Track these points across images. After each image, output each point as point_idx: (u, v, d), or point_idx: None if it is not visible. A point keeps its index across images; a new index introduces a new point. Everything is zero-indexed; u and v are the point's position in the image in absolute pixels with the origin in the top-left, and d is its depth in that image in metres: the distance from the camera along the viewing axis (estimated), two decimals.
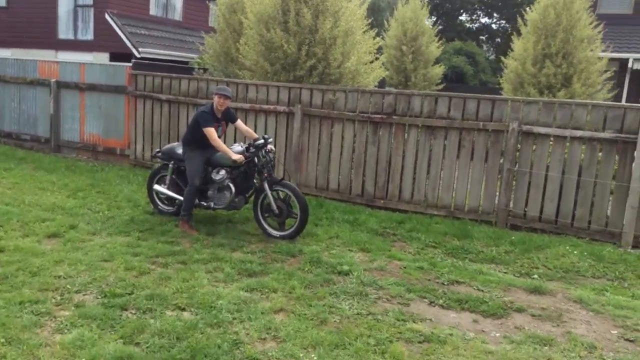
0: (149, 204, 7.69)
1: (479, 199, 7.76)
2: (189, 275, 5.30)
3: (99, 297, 4.79)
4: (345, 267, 5.65)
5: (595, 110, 7.23)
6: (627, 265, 6.12)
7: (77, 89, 11.26)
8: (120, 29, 17.22)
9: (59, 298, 4.72)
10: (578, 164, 7.26)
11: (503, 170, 7.63)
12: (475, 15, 42.36)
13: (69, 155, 11.45)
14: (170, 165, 7.27)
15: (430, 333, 4.35)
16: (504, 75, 14.58)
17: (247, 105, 9.24)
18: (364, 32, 10.92)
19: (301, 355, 3.94)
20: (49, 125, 11.65)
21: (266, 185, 6.65)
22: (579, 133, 7.21)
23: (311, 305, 4.75)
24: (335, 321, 4.50)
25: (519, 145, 7.56)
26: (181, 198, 7.02)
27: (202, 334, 4.17)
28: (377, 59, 11.46)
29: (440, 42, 20.80)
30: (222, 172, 6.78)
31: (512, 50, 14.55)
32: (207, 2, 20.49)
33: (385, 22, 21.33)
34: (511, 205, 7.61)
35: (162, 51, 17.76)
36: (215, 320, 4.38)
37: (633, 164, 6.94)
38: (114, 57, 16.86)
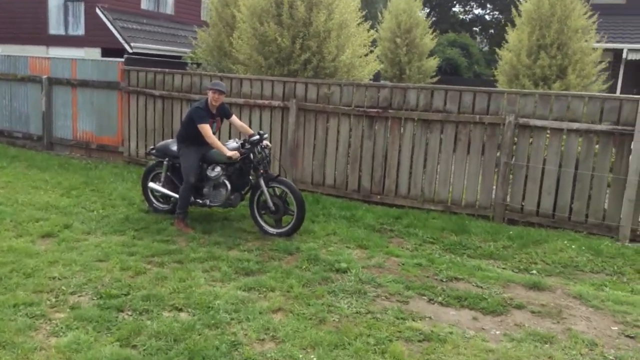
0: (144, 202, 7.62)
1: (476, 193, 7.72)
2: (185, 275, 5.24)
3: (95, 298, 4.73)
4: (343, 265, 5.60)
5: (592, 102, 7.19)
6: (626, 260, 6.10)
7: (69, 86, 11.14)
8: (111, 23, 17.07)
9: (53, 300, 4.66)
10: (575, 157, 7.23)
11: (500, 163, 7.59)
12: (468, 7, 42.28)
13: (62, 153, 11.34)
14: (165, 163, 7.19)
15: (430, 331, 4.32)
16: (499, 67, 14.52)
17: (241, 100, 9.16)
18: (358, 24, 10.82)
19: (300, 356, 3.90)
20: (41, 122, 11.53)
21: (262, 182, 6.59)
22: (575, 125, 7.18)
23: (309, 304, 4.71)
24: (334, 320, 4.46)
25: (515, 139, 7.52)
26: (176, 196, 6.95)
27: (199, 335, 4.12)
28: (371, 51, 11.38)
29: (435, 34, 20.72)
30: (218, 169, 6.72)
31: (506, 41, 14.48)
32: None
33: (379, 14, 21.22)
34: (508, 199, 7.58)
35: (154, 46, 17.63)
36: (212, 321, 4.33)
37: (630, 157, 6.91)
38: (106, 53, 16.72)
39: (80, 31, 18.09)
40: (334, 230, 6.84)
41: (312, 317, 4.48)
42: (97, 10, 17.22)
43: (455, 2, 41.50)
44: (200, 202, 6.92)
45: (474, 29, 41.41)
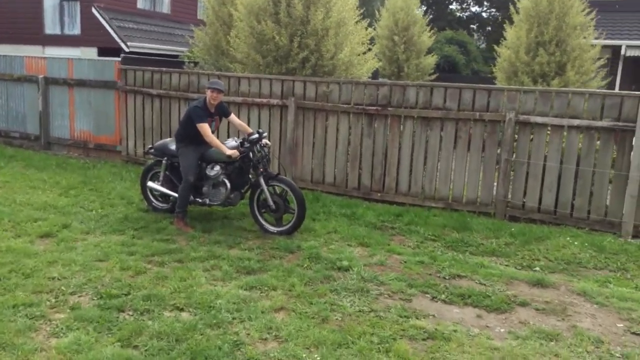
0: (143, 201, 7.57)
1: (477, 190, 7.69)
2: (186, 274, 5.19)
3: (95, 298, 4.68)
4: (345, 263, 5.56)
5: (593, 98, 7.16)
6: (629, 256, 6.08)
7: (65, 85, 11.07)
8: (107, 23, 16.98)
9: (53, 300, 4.61)
10: (576, 154, 7.20)
11: (500, 160, 7.56)
12: (465, 4, 42.26)
13: (59, 153, 11.27)
14: (164, 162, 7.14)
15: (434, 330, 4.28)
16: (497, 64, 14.47)
17: (239, 99, 9.10)
18: (356, 22, 10.77)
19: (304, 355, 3.86)
20: (38, 122, 11.45)
21: (262, 181, 6.54)
22: (576, 122, 7.15)
23: (312, 303, 4.66)
24: (337, 319, 4.42)
25: (516, 136, 7.49)
26: (175, 195, 6.90)
27: (201, 335, 4.08)
28: (369, 50, 11.33)
29: (432, 31, 20.68)
30: (217, 167, 6.67)
31: (504, 38, 14.44)
32: None
33: (377, 12, 21.17)
34: (509, 196, 7.55)
35: (151, 45, 17.56)
36: (214, 321, 4.29)
37: (631, 153, 6.89)
38: (102, 52, 16.64)
39: (77, 31, 17.99)
40: (334, 229, 6.79)
41: (314, 316, 4.44)
42: (93, 10, 17.13)
43: (452, 0, 41.48)
44: (200, 201, 6.87)
45: (471, 26, 41.39)
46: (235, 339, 4.05)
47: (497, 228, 6.90)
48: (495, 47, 14.86)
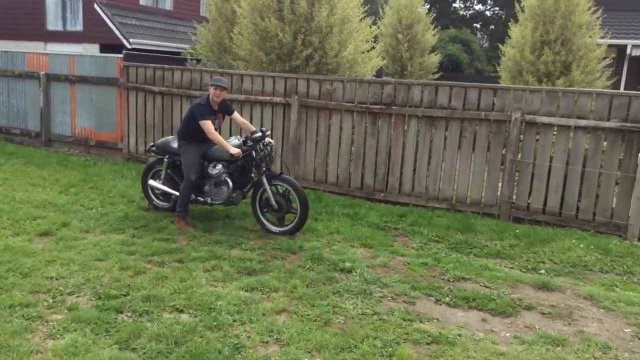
0: (144, 199, 7.49)
1: (481, 191, 7.60)
2: (186, 275, 5.12)
3: (93, 299, 4.61)
4: (348, 264, 5.48)
5: (600, 98, 7.06)
6: (635, 259, 5.98)
7: (67, 82, 10.99)
8: (110, 19, 16.89)
9: (51, 301, 4.53)
10: (582, 155, 7.10)
11: (506, 161, 7.47)
12: (469, 2, 42.10)
13: (60, 150, 11.19)
14: (165, 160, 7.06)
15: (438, 333, 4.19)
16: (502, 63, 14.38)
17: (242, 97, 9.02)
18: (360, 19, 10.69)
19: (306, 359, 3.77)
20: (39, 119, 11.38)
21: (264, 180, 6.46)
22: (583, 122, 7.05)
23: (314, 305, 4.58)
24: (339, 322, 4.34)
25: (521, 136, 7.39)
26: (177, 193, 6.82)
27: (201, 337, 4.00)
28: (373, 48, 11.24)
29: (436, 30, 20.56)
30: (219, 166, 6.59)
31: (509, 37, 14.32)
32: None
33: (380, 10, 21.07)
34: (514, 197, 7.45)
35: (153, 42, 17.46)
36: (215, 323, 4.21)
37: (639, 154, 6.79)
38: (104, 49, 16.55)
39: (79, 27, 17.90)
40: (337, 229, 6.71)
41: (316, 319, 4.36)
42: (96, 6, 17.04)
43: None
44: (202, 200, 6.79)
45: (475, 25, 41.23)
46: (235, 342, 3.97)
47: (501, 229, 6.81)
48: (500, 45, 14.76)
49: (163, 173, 7.11)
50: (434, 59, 19.96)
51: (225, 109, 6.88)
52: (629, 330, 4.42)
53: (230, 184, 6.59)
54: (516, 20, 14.16)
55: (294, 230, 6.41)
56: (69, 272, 5.09)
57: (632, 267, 5.80)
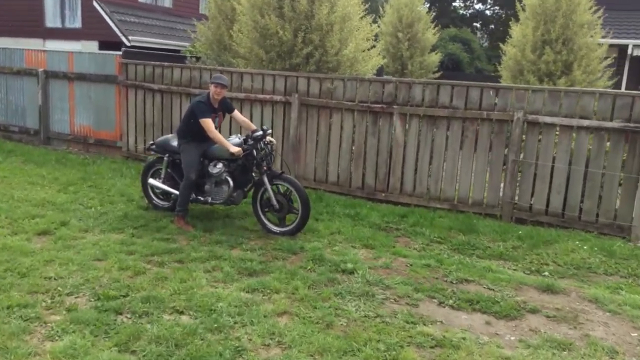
0: (143, 198, 7.42)
1: (483, 191, 7.54)
2: (186, 275, 5.05)
3: (92, 299, 4.54)
4: (350, 265, 5.42)
5: (603, 98, 7.01)
6: None
7: (65, 79, 10.91)
8: (109, 16, 16.81)
9: (49, 301, 4.47)
10: (585, 155, 7.04)
11: (508, 161, 7.41)
12: (468, 2, 42.04)
13: (59, 148, 11.12)
14: (165, 158, 6.98)
15: (442, 337, 4.13)
16: (503, 62, 14.34)
17: (242, 95, 8.95)
18: (361, 17, 10.62)
19: None
20: (37, 116, 11.30)
21: (265, 179, 6.39)
22: (586, 122, 6.99)
23: (316, 307, 4.52)
24: (341, 325, 4.28)
25: (524, 136, 7.33)
26: (177, 192, 6.74)
27: (202, 340, 3.94)
28: (373, 46, 11.17)
29: (436, 29, 20.50)
30: (220, 165, 6.52)
31: (510, 36, 14.29)
32: None
33: (380, 8, 20.99)
34: (516, 198, 7.39)
35: (152, 39, 17.38)
36: (215, 325, 4.15)
37: None
38: (103, 46, 16.47)
39: (77, 24, 17.81)
40: (338, 229, 6.65)
41: (318, 321, 4.30)
42: (94, 3, 16.95)
43: None
44: (202, 199, 6.72)
45: (475, 24, 41.18)
46: (236, 344, 3.91)
47: (504, 231, 6.75)
48: (501, 45, 14.72)
49: (163, 172, 7.04)
50: (435, 58, 19.90)
51: (225, 107, 6.81)
52: (636, 334, 4.36)
53: (231, 183, 6.53)
54: (517, 20, 14.12)
55: (295, 231, 6.35)
56: (68, 272, 5.02)
57: (636, 269, 5.74)
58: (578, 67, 12.69)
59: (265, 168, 6.42)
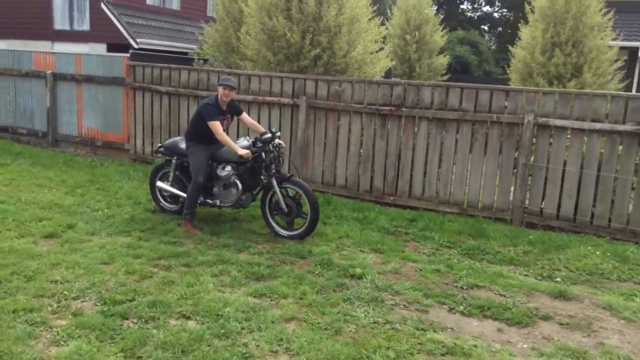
0: (150, 201, 7.39)
1: (493, 195, 7.45)
2: (193, 280, 5.00)
3: (98, 304, 4.50)
4: (358, 270, 5.34)
5: (615, 101, 6.91)
6: None
7: (73, 81, 10.91)
8: (117, 19, 16.83)
9: (55, 305, 4.42)
10: (597, 159, 6.95)
11: (518, 165, 7.32)
12: (476, 4, 41.88)
13: (67, 150, 11.11)
14: (174, 161, 6.94)
15: (453, 344, 4.06)
16: (512, 64, 14.21)
17: (249, 97, 8.91)
18: (369, 19, 10.56)
19: None
20: (45, 118, 11.30)
21: (274, 182, 6.33)
22: (598, 125, 6.90)
23: (324, 313, 4.46)
24: (350, 331, 4.21)
25: (534, 139, 7.24)
26: (185, 195, 6.69)
27: (209, 346, 3.88)
28: (381, 49, 11.10)
29: (444, 31, 20.39)
30: (228, 168, 6.47)
31: (519, 39, 14.16)
32: None
33: (388, 10, 20.91)
34: (527, 202, 7.30)
35: (160, 42, 17.39)
36: (222, 331, 4.09)
37: None
38: (111, 48, 16.48)
39: (86, 26, 17.85)
40: (346, 233, 6.58)
41: (327, 327, 4.23)
42: (102, 5, 16.98)
43: (463, 0, 41.12)
44: (210, 202, 6.67)
45: (482, 27, 41.02)
46: (244, 351, 3.85)
47: (514, 235, 6.66)
48: (510, 47, 14.60)
49: (171, 175, 6.99)
50: (443, 60, 19.78)
51: (233, 109, 6.77)
52: None
53: (240, 186, 6.47)
54: (526, 22, 13.99)
55: (303, 235, 6.29)
56: (74, 276, 4.98)
57: None
58: (588, 70, 12.54)
59: (273, 171, 6.36)
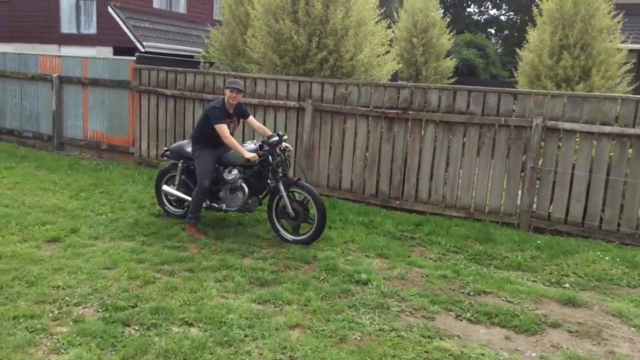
0: (155, 205, 7.35)
1: (500, 199, 7.36)
2: (196, 285, 4.94)
3: (100, 310, 4.44)
4: (364, 276, 5.27)
5: (625, 104, 6.81)
6: None
7: (79, 84, 10.90)
8: (123, 22, 16.86)
9: (56, 312, 4.37)
10: (607, 162, 6.85)
11: (526, 168, 7.23)
12: (483, 7, 41.74)
13: (72, 153, 11.10)
14: (180, 165, 6.89)
15: (460, 352, 3.98)
16: (519, 67, 14.10)
17: (255, 101, 8.86)
18: (376, 22, 10.49)
19: None
20: (51, 122, 11.30)
21: (281, 187, 6.26)
22: (607, 129, 6.80)
23: (329, 320, 4.38)
24: (356, 338, 4.13)
25: (542, 142, 7.15)
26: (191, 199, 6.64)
27: (211, 354, 3.82)
28: (388, 52, 11.02)
29: (451, 34, 20.29)
30: (235, 171, 6.41)
31: (527, 41, 14.06)
32: None
33: (395, 13, 20.84)
34: (534, 206, 7.20)
35: (166, 45, 17.41)
36: (225, 338, 4.02)
37: None
38: (118, 52, 16.51)
39: (92, 30, 17.90)
40: (352, 238, 6.51)
41: (332, 335, 4.16)
42: (109, 9, 17.02)
43: (470, 3, 40.97)
44: (216, 206, 6.61)
45: (489, 30, 40.86)
46: (247, 359, 3.78)
47: (522, 240, 6.56)
48: (518, 50, 14.50)
49: (177, 178, 6.94)
50: (449, 63, 19.67)
51: (240, 112, 6.71)
52: None
53: (246, 189, 6.41)
54: (533, 24, 13.89)
55: (310, 241, 6.21)
56: (76, 281, 4.94)
57: None
58: (597, 73, 12.43)
59: (280, 174, 6.30)
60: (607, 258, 6.03)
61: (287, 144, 6.48)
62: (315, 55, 9.73)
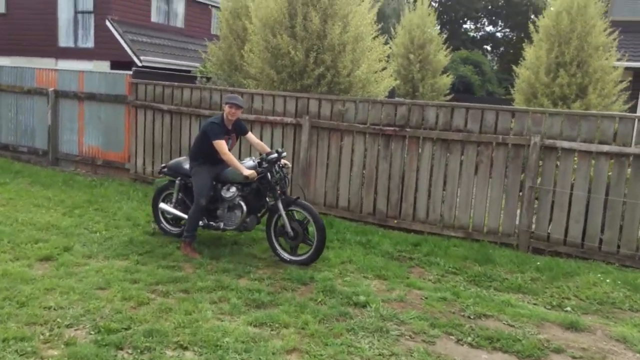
0: (150, 222, 7.25)
1: (499, 219, 7.29)
2: (191, 307, 4.84)
3: (92, 332, 4.33)
4: (362, 298, 5.17)
5: (624, 123, 6.78)
6: None
7: (76, 99, 10.84)
8: (121, 36, 16.85)
9: (47, 334, 4.26)
10: (605, 182, 6.80)
11: (524, 188, 7.17)
12: (479, 24, 42.03)
13: (67, 169, 11.00)
14: (177, 182, 6.79)
15: None
16: (516, 85, 14.11)
17: (252, 117, 8.80)
18: (374, 38, 10.48)
19: None
20: (46, 137, 11.21)
21: (280, 205, 6.16)
22: (606, 148, 6.76)
23: (327, 344, 4.29)
24: None
25: (541, 161, 7.11)
26: None
27: None
28: (385, 68, 11.01)
29: (447, 50, 20.35)
30: (233, 189, 6.32)
31: (523, 59, 14.08)
32: (209, 7, 20.14)
33: (392, 29, 20.90)
34: (533, 226, 7.14)
35: (164, 59, 17.39)
36: None
37: None
38: (115, 66, 16.48)
39: (90, 44, 17.88)
40: (349, 258, 6.42)
41: (330, 359, 4.06)
42: (107, 23, 17.02)
43: (466, 19, 41.25)
44: (214, 224, 6.50)
45: (485, 46, 41.11)
46: None
47: (521, 261, 6.49)
48: (514, 67, 14.52)
49: (175, 196, 6.83)
50: (446, 80, 19.70)
51: (239, 128, 6.64)
52: None
53: (245, 208, 6.31)
54: (530, 41, 13.92)
55: (308, 262, 6.10)
56: (69, 302, 4.83)
57: None
58: (593, 91, 12.44)
59: (279, 192, 6.21)
60: (608, 280, 5.96)
61: (286, 161, 6.41)
62: (312, 71, 9.69)
